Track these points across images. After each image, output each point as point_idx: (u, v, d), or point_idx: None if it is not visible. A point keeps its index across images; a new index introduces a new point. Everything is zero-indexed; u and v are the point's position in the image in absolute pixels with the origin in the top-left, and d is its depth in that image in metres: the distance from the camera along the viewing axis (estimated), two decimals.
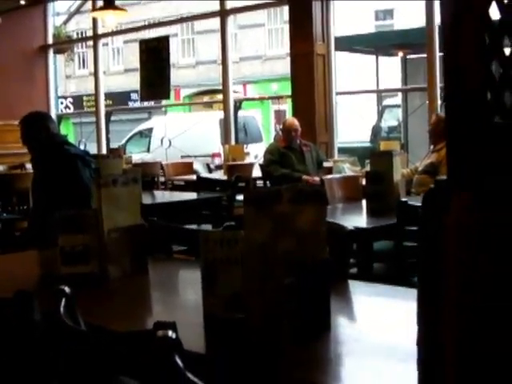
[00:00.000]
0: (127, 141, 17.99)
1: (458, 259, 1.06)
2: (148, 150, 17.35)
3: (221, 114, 15.27)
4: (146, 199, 6.24)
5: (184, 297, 2.97)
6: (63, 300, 2.10)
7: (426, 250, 1.10)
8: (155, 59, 11.02)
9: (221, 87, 11.72)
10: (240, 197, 7.48)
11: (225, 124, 11.56)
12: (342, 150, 11.41)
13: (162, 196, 7.54)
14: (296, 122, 8.48)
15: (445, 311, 1.09)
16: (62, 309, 2.04)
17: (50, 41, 14.60)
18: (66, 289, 2.16)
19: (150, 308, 2.80)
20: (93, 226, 3.08)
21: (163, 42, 11.12)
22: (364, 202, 5.33)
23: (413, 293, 2.76)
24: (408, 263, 4.63)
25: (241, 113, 12.84)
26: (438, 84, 9.09)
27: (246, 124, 16.43)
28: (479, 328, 1.08)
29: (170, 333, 1.65)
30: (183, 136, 15.33)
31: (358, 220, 4.93)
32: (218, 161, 13.21)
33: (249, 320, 2.15)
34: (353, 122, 18.61)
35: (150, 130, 18.24)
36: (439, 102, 9.20)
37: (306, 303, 2.08)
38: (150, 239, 3.29)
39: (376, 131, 17.80)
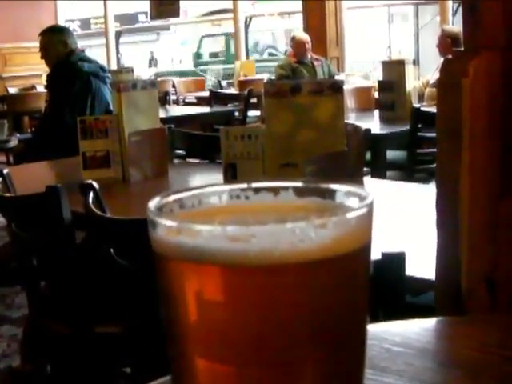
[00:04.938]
0: None
1: (475, 118, 1.13)
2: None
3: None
4: (160, 113, 6.26)
5: None
6: (91, 193, 2.19)
7: (444, 111, 1.17)
8: None
9: (229, 7, 11.60)
10: (252, 112, 7.50)
11: (236, 41, 11.50)
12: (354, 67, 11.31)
13: (175, 110, 7.55)
14: (306, 36, 8.41)
15: (461, 170, 1.17)
16: (90, 199, 2.13)
17: None
18: (94, 183, 2.24)
19: None
20: (114, 130, 3.15)
21: None
22: (376, 112, 5.34)
23: (427, 188, 2.82)
24: (421, 170, 4.70)
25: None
26: None
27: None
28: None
29: None
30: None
31: (371, 127, 4.94)
32: None
33: None
34: (364, 40, 18.43)
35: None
36: (451, 16, 9.08)
37: None
38: (169, 143, 3.37)
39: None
